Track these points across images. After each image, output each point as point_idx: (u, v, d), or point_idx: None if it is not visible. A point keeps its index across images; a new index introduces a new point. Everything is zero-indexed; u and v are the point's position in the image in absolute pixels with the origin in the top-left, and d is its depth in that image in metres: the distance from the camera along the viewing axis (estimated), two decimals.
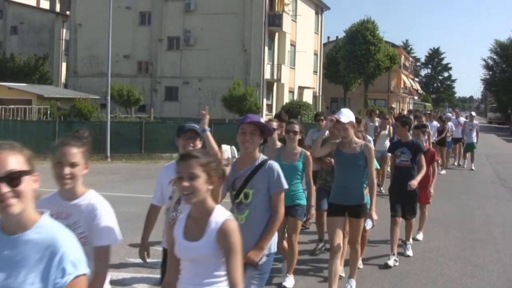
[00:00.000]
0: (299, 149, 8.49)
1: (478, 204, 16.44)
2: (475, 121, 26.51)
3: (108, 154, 28.68)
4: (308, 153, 8.43)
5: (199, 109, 41.73)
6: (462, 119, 27.76)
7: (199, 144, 5.94)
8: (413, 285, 8.79)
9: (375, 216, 7.73)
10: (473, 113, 27.73)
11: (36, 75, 51.52)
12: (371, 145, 8.30)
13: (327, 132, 9.04)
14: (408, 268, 9.64)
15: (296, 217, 8.24)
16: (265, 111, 47.19)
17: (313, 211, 8.62)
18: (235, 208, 5.52)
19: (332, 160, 8.65)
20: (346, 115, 7.66)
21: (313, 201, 8.60)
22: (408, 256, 10.37)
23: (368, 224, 7.86)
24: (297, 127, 8.55)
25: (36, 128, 30.29)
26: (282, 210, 5.47)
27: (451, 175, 23.04)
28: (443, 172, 22.60)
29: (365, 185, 7.94)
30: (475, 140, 26.03)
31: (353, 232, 8.04)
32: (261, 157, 5.58)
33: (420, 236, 11.74)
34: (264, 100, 48.01)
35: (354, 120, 7.82)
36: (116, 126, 30.66)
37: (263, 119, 5.68)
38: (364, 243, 9.33)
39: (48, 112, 35.91)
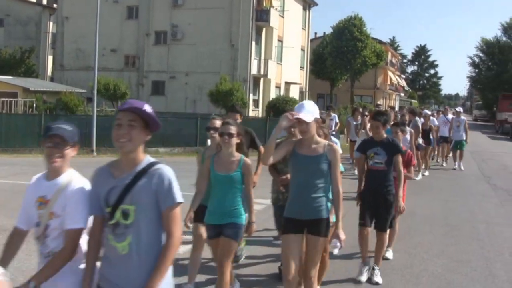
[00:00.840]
0: (237, 156, 7.00)
1: (462, 201, 16.55)
2: (462, 117, 25.21)
3: (94, 148, 28.64)
4: (248, 161, 6.98)
5: (185, 104, 41.86)
6: (451, 116, 25.75)
7: (67, 154, 4.39)
8: (397, 281, 8.84)
9: (342, 235, 6.21)
10: (460, 109, 26.23)
11: (22, 68, 51.34)
12: (337, 146, 6.70)
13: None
14: (392, 263, 9.68)
15: (230, 238, 6.76)
16: (251, 106, 47.22)
17: (254, 227, 7.13)
18: (111, 233, 4.05)
19: (289, 176, 7.04)
20: (310, 112, 6.25)
21: (254, 217, 7.10)
22: (377, 283, 8.70)
23: (335, 247, 6.34)
24: (233, 128, 6.89)
25: (22, 121, 30.19)
26: (177, 232, 3.99)
27: (435, 171, 23.20)
28: (426, 173, 21.86)
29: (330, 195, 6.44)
30: (463, 137, 24.46)
31: (310, 255, 6.43)
32: (147, 159, 4.16)
33: (389, 254, 10.08)
34: (251, 95, 48.01)
35: (318, 115, 6.40)
36: (102, 120, 30.56)
37: (149, 107, 4.20)
38: (324, 268, 7.80)
39: (34, 105, 35.80)
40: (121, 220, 3.98)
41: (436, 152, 26.47)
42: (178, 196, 4.01)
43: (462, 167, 24.34)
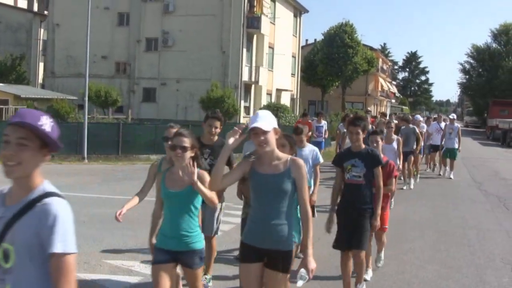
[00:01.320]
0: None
1: (453, 207, 16.59)
2: (456, 124, 24.06)
3: (85, 155, 28.54)
4: (206, 174, 6.06)
5: (176, 111, 41.83)
6: (443, 124, 24.95)
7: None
8: (388, 287, 8.85)
9: (311, 265, 5.25)
10: (454, 116, 24.76)
11: (12, 75, 51.13)
12: (300, 160, 5.51)
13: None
14: (384, 270, 9.69)
15: (193, 268, 5.99)
16: (242, 113, 47.24)
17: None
18: None
19: None
20: (267, 120, 5.29)
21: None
22: None
23: (300, 279, 5.39)
24: (186, 141, 6.02)
25: None
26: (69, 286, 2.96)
27: (427, 178, 23.18)
28: (412, 183, 20.16)
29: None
30: (456, 146, 23.34)
31: None
32: (41, 188, 3.14)
33: (368, 275, 9.08)
34: (242, 102, 48.04)
35: (276, 125, 5.40)
36: (93, 127, 30.49)
37: (48, 121, 3.31)
38: None
39: None
40: (1, 261, 3.06)
41: (424, 159, 25.45)
42: (65, 244, 2.95)
43: (451, 176, 23.34)
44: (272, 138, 5.28)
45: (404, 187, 19.16)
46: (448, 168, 23.95)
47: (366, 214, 7.85)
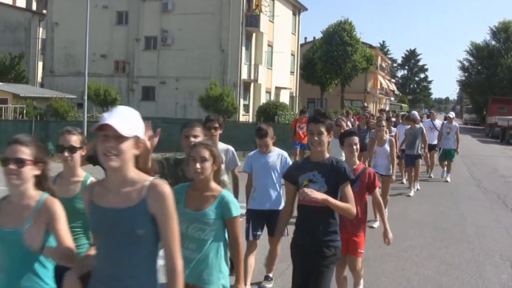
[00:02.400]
0: (80, 176, 5.34)
1: (452, 204, 16.60)
2: (454, 123, 22.12)
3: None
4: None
5: (176, 109, 41.80)
6: (438, 122, 23.14)
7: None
8: (388, 284, 8.87)
9: None
10: (452, 114, 22.87)
11: (11, 74, 51.12)
12: (165, 186, 3.53)
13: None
14: (384, 267, 9.71)
15: None
16: (242, 112, 47.24)
17: None
18: None
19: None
20: (127, 118, 3.76)
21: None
22: None
23: None
24: (76, 139, 5.27)
25: (12, 128, 30.04)
26: None
27: (424, 175, 22.66)
28: (413, 191, 18.04)
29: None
30: (453, 146, 21.70)
31: None
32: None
33: None
34: (241, 100, 48.04)
35: (139, 132, 3.76)
36: (92, 126, 30.36)
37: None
38: None
39: (24, 111, 35.72)
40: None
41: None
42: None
43: (448, 179, 21.57)
44: (130, 150, 3.53)
45: (411, 194, 17.67)
46: (445, 169, 22.09)
47: (327, 251, 5.67)
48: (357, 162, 7.43)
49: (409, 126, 18.79)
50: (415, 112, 23.69)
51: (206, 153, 4.86)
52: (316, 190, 5.42)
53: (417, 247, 11.21)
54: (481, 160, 31.12)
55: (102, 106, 42.48)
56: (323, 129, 5.63)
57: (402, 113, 34.37)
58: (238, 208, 4.94)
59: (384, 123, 13.32)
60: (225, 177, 7.61)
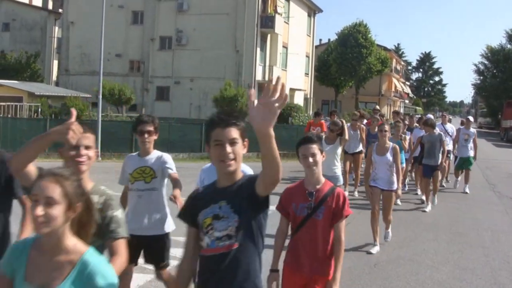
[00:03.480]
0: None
1: (467, 208, 16.51)
2: (471, 129, 20.13)
3: (99, 153, 28.64)
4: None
5: (190, 110, 41.81)
6: (450, 127, 21.30)
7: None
8: None
9: None
10: (471, 118, 21.11)
11: (27, 72, 51.43)
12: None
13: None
14: (398, 270, 9.66)
15: None
16: None
17: None
18: None
19: None
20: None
21: None
22: None
23: None
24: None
25: (27, 126, 30.18)
26: None
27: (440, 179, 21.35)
28: (430, 206, 15.83)
29: None
30: (471, 154, 19.79)
31: None
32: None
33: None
34: (256, 101, 47.92)
35: None
36: (107, 125, 30.61)
37: None
38: None
39: (39, 109, 35.84)
40: None
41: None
42: None
43: (467, 190, 19.38)
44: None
45: (427, 209, 15.47)
46: (458, 179, 20.38)
47: None
48: (322, 180, 5.44)
49: (426, 132, 16.21)
50: (430, 116, 21.87)
51: (56, 192, 3.04)
52: (223, 228, 3.75)
53: (431, 251, 11.14)
54: (496, 164, 30.98)
55: (117, 106, 42.60)
56: (237, 133, 3.87)
57: (418, 116, 33.99)
58: (111, 280, 3.11)
59: (387, 127, 11.43)
60: (163, 191, 6.98)
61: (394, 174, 10.99)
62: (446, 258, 10.66)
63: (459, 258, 10.70)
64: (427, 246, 11.53)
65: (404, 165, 16.02)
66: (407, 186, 18.99)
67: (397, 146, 11.29)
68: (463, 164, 19.93)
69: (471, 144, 19.86)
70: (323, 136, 13.76)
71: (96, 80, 32.38)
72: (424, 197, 16.30)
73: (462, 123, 21.57)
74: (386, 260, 10.07)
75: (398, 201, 15.73)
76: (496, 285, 9.16)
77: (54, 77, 58.85)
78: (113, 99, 41.92)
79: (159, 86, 51.21)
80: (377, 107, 26.87)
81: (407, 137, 17.41)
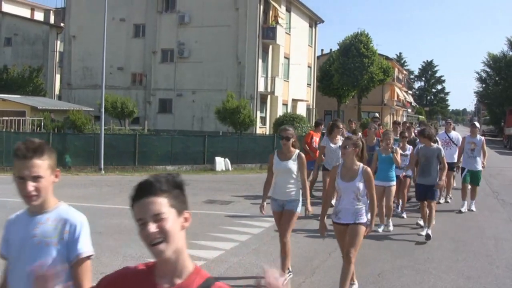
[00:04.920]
0: None
1: (470, 216, 16.47)
2: (479, 137, 17.62)
3: (102, 166, 28.66)
4: None
5: (193, 122, 41.90)
6: (455, 134, 19.20)
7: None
8: None
9: None
10: (477, 124, 18.39)
11: (30, 86, 51.51)
12: None
13: None
14: (402, 280, 9.65)
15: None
16: (259, 124, 47.25)
17: None
18: None
19: None
20: None
21: None
22: None
23: None
24: None
25: None
26: None
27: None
28: (427, 230, 12.97)
29: None
30: (480, 167, 17.34)
31: None
32: None
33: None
34: (258, 112, 48.04)
35: None
36: (109, 138, 30.66)
37: None
38: None
39: (42, 124, 35.89)
40: None
41: None
42: None
43: (473, 207, 17.26)
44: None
45: (423, 233, 13.07)
46: (465, 202, 17.39)
47: None
48: (188, 267, 2.90)
49: (422, 145, 13.81)
50: (449, 121, 20.42)
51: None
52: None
53: (435, 260, 11.13)
54: (499, 172, 30.95)
55: (119, 119, 42.65)
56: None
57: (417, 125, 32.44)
58: None
59: (350, 142, 8.34)
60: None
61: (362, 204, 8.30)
62: (450, 267, 10.64)
63: (463, 267, 10.68)
64: (431, 254, 11.51)
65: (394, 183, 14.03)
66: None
67: (369, 170, 8.33)
68: (471, 179, 17.26)
69: (480, 155, 17.32)
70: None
71: (99, 93, 32.48)
72: (421, 222, 13.86)
73: (471, 132, 18.00)
74: (390, 269, 10.06)
75: (404, 215, 15.85)
76: None
77: (57, 91, 58.97)
78: (115, 112, 41.97)
79: (161, 98, 51.24)
80: (377, 114, 25.08)
81: (399, 149, 14.67)
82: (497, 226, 15.15)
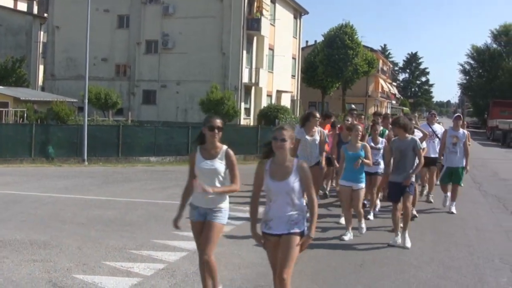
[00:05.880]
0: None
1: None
2: (461, 130, 15.74)
3: (85, 157, 28.60)
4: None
5: (176, 113, 41.87)
6: (439, 127, 17.43)
7: None
8: (387, 287, 8.84)
9: None
10: (459, 116, 16.31)
11: (13, 77, 51.13)
12: None
13: None
14: (382, 270, 9.67)
15: None
16: (243, 115, 47.24)
17: None
18: None
19: None
20: None
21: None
22: None
23: None
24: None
25: (13, 131, 30.10)
26: None
27: (421, 200, 16.91)
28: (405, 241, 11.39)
29: None
30: (462, 163, 15.49)
31: None
32: None
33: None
34: (242, 104, 48.02)
35: None
36: (93, 130, 30.57)
37: None
38: None
39: (25, 115, 35.72)
40: None
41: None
42: None
43: (454, 210, 15.36)
44: None
45: (391, 242, 11.43)
46: (448, 195, 15.78)
47: None
48: None
49: (395, 136, 12.32)
50: (433, 113, 18.57)
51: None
52: None
53: (416, 251, 11.14)
54: (482, 163, 31.13)
55: (103, 110, 42.51)
56: None
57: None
58: None
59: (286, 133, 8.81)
60: None
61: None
62: (432, 258, 10.67)
63: (444, 257, 10.71)
64: (412, 245, 11.50)
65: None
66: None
67: (305, 165, 6.52)
68: (452, 177, 15.49)
69: (462, 150, 15.47)
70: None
71: (82, 84, 32.34)
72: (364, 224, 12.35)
73: (456, 124, 15.72)
74: (372, 260, 10.09)
75: (371, 216, 14.11)
76: (481, 283, 9.18)
77: (40, 82, 58.62)
78: (99, 103, 41.83)
79: (145, 89, 51.12)
80: (353, 106, 22.16)
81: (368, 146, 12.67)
82: (479, 217, 15.23)
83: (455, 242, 12.05)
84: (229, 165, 7.31)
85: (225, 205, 7.36)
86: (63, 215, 13.73)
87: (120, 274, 8.99)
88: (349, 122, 14.55)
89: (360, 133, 12.17)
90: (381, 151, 14.14)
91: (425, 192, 17.32)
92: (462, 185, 16.16)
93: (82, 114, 32.11)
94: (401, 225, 11.53)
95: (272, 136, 6.52)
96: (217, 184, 7.22)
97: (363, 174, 12.22)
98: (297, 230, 6.41)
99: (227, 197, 7.41)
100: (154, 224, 12.81)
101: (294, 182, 6.40)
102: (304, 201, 6.55)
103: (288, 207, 6.41)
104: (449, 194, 15.65)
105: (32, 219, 13.38)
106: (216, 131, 7.22)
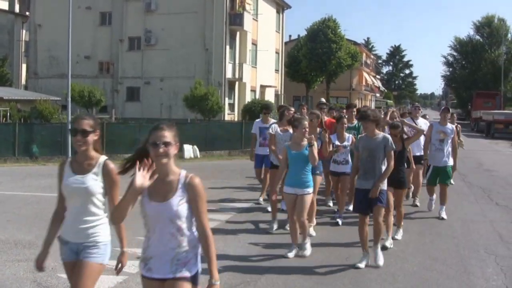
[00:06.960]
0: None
1: (437, 199, 16.53)
2: (449, 125, 14.07)
3: (70, 155, 28.45)
4: None
5: (161, 109, 41.69)
6: (424, 123, 15.54)
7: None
8: (374, 280, 8.83)
9: None
10: (447, 109, 14.80)
11: None
12: None
13: None
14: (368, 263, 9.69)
15: None
16: (227, 111, 47.21)
17: None
18: None
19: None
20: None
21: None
22: None
23: None
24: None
25: None
26: None
27: (408, 203, 15.26)
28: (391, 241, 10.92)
29: None
30: (450, 162, 13.96)
31: None
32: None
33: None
34: (226, 99, 47.99)
35: None
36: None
37: None
38: None
39: (8, 114, 35.53)
40: None
41: None
42: None
43: (444, 215, 13.69)
44: None
45: (360, 265, 9.40)
46: (433, 198, 14.60)
47: None
48: None
49: (364, 133, 10.15)
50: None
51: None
52: None
53: (402, 243, 11.19)
54: (467, 155, 31.17)
55: (87, 108, 42.35)
56: None
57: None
58: None
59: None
60: None
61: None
62: (417, 249, 10.72)
63: (429, 249, 10.76)
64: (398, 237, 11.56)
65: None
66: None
67: (196, 180, 4.65)
68: (439, 177, 14.00)
69: (450, 148, 13.92)
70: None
71: (66, 82, 32.20)
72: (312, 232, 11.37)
73: (446, 118, 14.02)
74: (358, 253, 10.09)
75: (340, 221, 12.81)
76: (466, 274, 9.22)
77: (23, 81, 58.27)
78: (83, 101, 41.68)
79: (129, 87, 51.00)
80: (323, 99, 19.53)
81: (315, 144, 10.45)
82: (464, 208, 15.31)
83: (440, 234, 12.12)
84: (108, 183, 5.44)
85: (103, 238, 5.52)
86: (47, 214, 13.54)
87: (105, 272, 8.90)
88: (292, 114, 12.52)
89: (307, 129, 9.83)
90: (348, 148, 12.60)
91: (410, 194, 15.68)
92: (452, 183, 15.21)
93: (65, 113, 31.97)
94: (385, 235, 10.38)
95: (148, 140, 4.65)
96: (93, 210, 5.39)
97: (310, 178, 9.98)
98: (186, 274, 4.58)
99: (108, 227, 5.54)
100: (139, 222, 12.74)
101: (180, 204, 4.56)
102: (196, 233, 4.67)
103: (172, 240, 4.59)
104: (434, 197, 14.46)
105: (17, 218, 13.32)
106: (80, 136, 5.36)
